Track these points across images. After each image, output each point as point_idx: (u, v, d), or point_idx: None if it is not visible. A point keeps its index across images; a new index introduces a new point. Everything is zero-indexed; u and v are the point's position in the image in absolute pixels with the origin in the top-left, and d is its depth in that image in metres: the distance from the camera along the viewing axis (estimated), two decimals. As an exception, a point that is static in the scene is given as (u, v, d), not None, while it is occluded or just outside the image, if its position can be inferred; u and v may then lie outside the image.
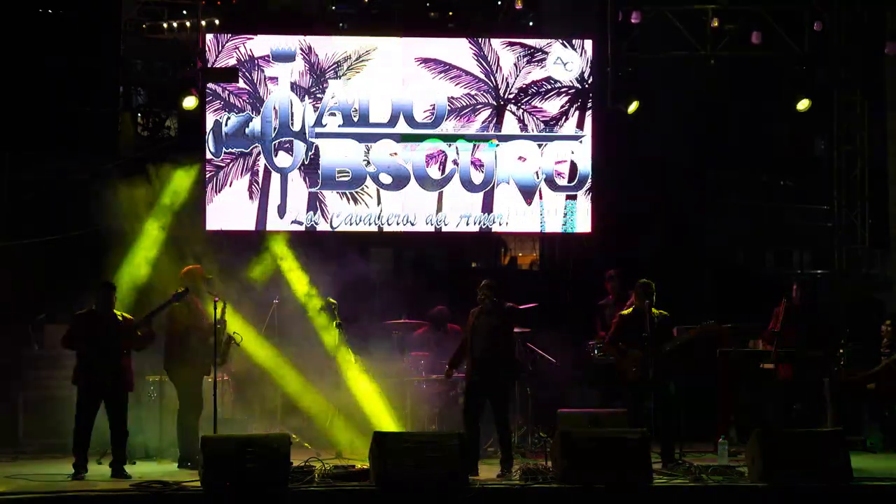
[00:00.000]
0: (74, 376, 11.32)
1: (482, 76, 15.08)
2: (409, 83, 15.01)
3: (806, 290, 12.67)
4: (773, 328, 12.38)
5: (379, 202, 14.90)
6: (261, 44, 14.90)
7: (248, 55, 14.82)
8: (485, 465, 11.61)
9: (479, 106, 15.04)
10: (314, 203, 14.84)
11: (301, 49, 14.91)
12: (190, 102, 14.47)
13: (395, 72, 15.01)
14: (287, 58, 14.83)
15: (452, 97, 15.02)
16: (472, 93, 15.07)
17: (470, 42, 15.16)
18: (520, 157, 15.10)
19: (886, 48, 15.26)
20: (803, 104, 15.19)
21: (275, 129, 14.84)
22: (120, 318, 11.35)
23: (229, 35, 14.81)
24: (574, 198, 15.11)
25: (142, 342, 11.45)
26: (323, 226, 14.85)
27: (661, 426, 11.68)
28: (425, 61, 15.05)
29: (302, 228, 14.89)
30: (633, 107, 15.03)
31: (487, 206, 15.05)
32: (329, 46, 15.00)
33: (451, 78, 15.05)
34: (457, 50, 15.13)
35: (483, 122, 15.07)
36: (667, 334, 11.86)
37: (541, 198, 15.08)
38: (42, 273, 14.47)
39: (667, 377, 11.75)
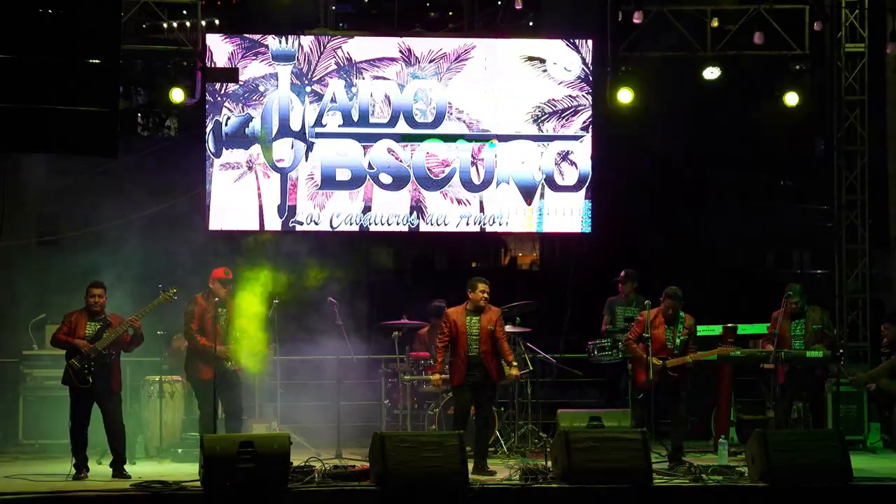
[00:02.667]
0: (64, 377, 11.31)
1: (584, 76, 15.10)
2: (507, 84, 15.03)
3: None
4: (772, 330, 12.39)
5: (482, 207, 14.90)
6: (358, 46, 14.94)
7: (346, 58, 14.85)
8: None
9: (581, 108, 15.03)
10: (418, 205, 14.86)
11: (400, 51, 14.93)
12: (178, 96, 14.48)
13: (497, 70, 15.02)
14: (287, 58, 14.82)
15: (553, 99, 15.04)
16: (574, 94, 15.06)
17: (567, 43, 15.16)
18: (520, 157, 15.09)
19: (887, 48, 15.26)
20: (792, 98, 15.21)
21: (275, 128, 14.83)
22: (110, 318, 11.32)
23: (329, 37, 14.84)
24: (574, 198, 15.09)
25: (130, 343, 11.42)
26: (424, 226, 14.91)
27: (671, 430, 11.72)
28: (531, 59, 15.04)
29: (302, 228, 14.88)
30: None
31: (488, 207, 15.03)
32: (426, 46, 15.01)
33: (552, 77, 15.08)
34: (556, 49, 15.16)
35: (583, 124, 15.06)
36: (691, 341, 11.92)
37: (541, 198, 15.07)
38: (42, 273, 14.47)
39: (679, 385, 11.77)
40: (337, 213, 14.87)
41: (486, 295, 11.61)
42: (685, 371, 11.82)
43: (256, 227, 14.90)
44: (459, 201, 14.98)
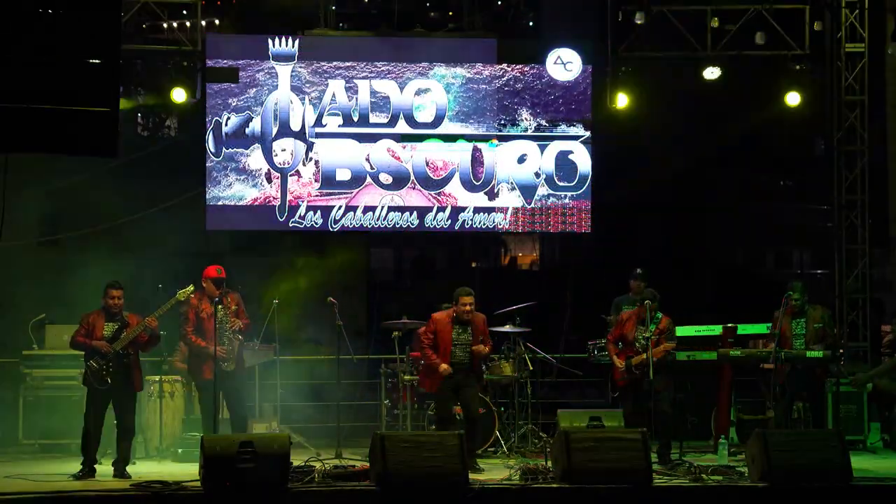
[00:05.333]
0: (84, 378, 11.31)
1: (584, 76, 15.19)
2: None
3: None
4: (773, 330, 12.39)
5: (483, 208, 14.96)
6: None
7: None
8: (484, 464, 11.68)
9: (581, 108, 15.10)
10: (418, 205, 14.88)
11: None
12: (178, 96, 14.50)
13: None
14: (287, 58, 14.83)
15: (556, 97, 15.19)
16: (574, 93, 15.11)
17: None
18: (520, 157, 15.10)
19: (888, 48, 15.26)
20: (792, 98, 15.24)
21: (275, 128, 14.84)
22: (127, 318, 11.33)
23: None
24: (574, 198, 15.10)
25: (147, 343, 11.42)
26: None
27: (658, 427, 11.72)
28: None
29: (302, 228, 14.89)
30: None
31: (488, 207, 15.04)
32: None
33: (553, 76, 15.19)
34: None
35: (584, 124, 15.11)
36: (668, 337, 11.92)
37: (541, 198, 15.07)
38: (42, 273, 14.47)
39: (659, 381, 11.78)
40: (337, 213, 14.87)
41: (468, 307, 11.71)
42: (660, 369, 11.76)
43: (256, 227, 14.90)
44: (458, 200, 15.02)
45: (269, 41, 14.85)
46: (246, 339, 11.86)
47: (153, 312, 11.32)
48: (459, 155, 15.04)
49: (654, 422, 11.65)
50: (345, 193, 14.91)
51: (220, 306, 11.54)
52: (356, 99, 14.94)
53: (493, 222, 15.11)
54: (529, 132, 15.10)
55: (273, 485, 10.01)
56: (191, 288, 11.49)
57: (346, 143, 14.95)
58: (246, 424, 11.72)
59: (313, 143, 14.88)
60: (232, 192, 14.77)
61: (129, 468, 11.24)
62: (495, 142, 15.09)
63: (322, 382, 13.64)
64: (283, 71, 14.85)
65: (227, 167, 14.77)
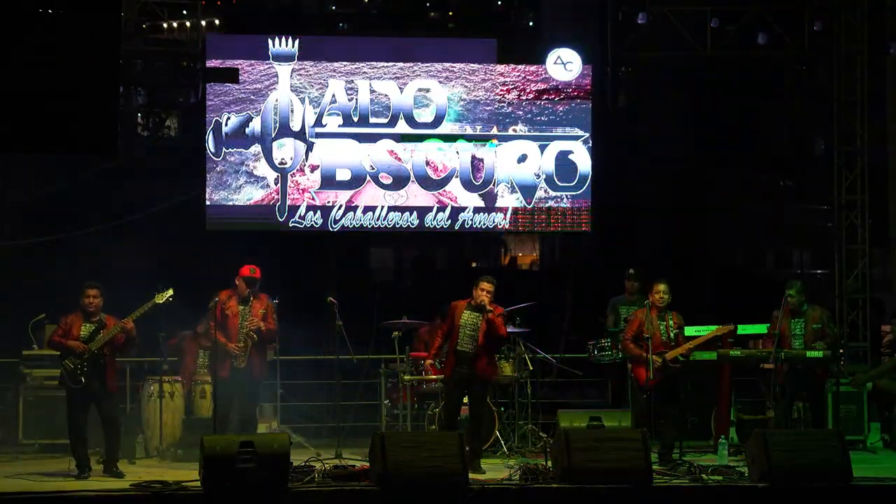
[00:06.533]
0: (59, 378, 11.30)
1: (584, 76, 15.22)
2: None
3: None
4: (773, 329, 12.40)
5: (482, 208, 14.93)
6: None
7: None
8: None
9: (581, 107, 15.12)
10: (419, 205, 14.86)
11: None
12: (179, 96, 14.49)
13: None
14: (287, 58, 14.83)
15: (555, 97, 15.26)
16: (574, 93, 15.15)
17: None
18: (520, 157, 15.09)
19: (890, 49, 15.27)
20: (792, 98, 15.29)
21: (275, 128, 14.83)
22: (105, 319, 11.29)
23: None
24: (574, 198, 15.09)
25: (124, 346, 11.38)
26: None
27: (664, 427, 11.71)
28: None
29: (302, 228, 14.89)
30: None
31: (488, 207, 15.04)
32: None
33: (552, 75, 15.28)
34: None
35: (584, 124, 15.13)
36: (679, 336, 11.95)
37: (541, 198, 15.06)
38: (42, 273, 14.47)
39: (677, 381, 11.80)
40: (337, 213, 14.87)
41: (485, 294, 11.59)
42: (684, 364, 11.84)
43: (256, 228, 14.89)
44: (458, 200, 15.01)
45: (269, 41, 14.84)
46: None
47: (130, 315, 11.28)
48: (459, 155, 15.04)
49: (664, 423, 11.68)
50: (345, 193, 14.90)
51: (243, 306, 11.51)
52: (356, 99, 14.93)
53: (493, 222, 15.10)
54: (529, 132, 15.09)
55: (273, 485, 10.02)
56: (170, 292, 11.37)
57: (346, 143, 14.94)
58: (248, 425, 11.68)
59: (313, 144, 14.87)
60: (231, 192, 14.75)
61: (129, 468, 11.24)
62: (495, 142, 15.08)
63: (322, 382, 13.62)
64: (283, 71, 14.85)
65: (226, 167, 14.74)
